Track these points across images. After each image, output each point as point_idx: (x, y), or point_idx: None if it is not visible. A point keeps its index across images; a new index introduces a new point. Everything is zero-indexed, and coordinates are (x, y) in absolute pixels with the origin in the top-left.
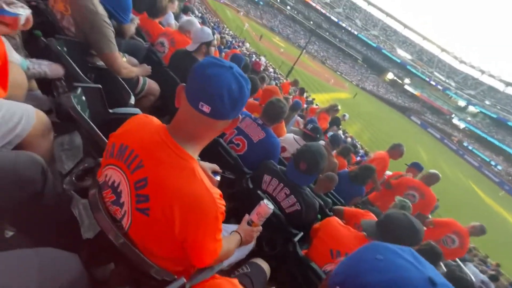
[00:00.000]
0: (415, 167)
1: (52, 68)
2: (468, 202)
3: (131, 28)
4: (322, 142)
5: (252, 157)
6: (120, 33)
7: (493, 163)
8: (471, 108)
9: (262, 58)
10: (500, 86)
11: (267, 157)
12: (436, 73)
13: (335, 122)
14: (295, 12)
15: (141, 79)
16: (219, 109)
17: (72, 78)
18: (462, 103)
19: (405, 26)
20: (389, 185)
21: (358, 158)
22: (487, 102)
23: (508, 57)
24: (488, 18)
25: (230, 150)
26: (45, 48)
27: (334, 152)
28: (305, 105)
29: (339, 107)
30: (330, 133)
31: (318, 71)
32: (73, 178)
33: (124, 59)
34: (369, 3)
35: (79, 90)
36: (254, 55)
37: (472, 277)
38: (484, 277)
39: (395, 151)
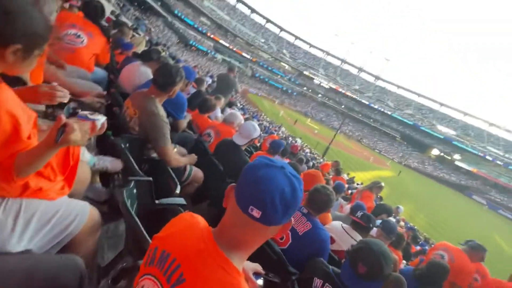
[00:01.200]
0: None
1: (113, 163)
2: None
3: (184, 123)
4: (374, 230)
5: (297, 253)
6: (175, 128)
7: None
8: None
9: (298, 140)
10: None
11: (315, 252)
12: (490, 147)
13: (386, 210)
14: (326, 98)
15: (187, 167)
16: (271, 214)
17: (129, 171)
18: None
19: (441, 104)
20: None
21: (418, 248)
22: None
23: None
24: None
25: (273, 243)
26: (112, 145)
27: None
28: (346, 185)
29: (383, 184)
30: (379, 221)
31: (355, 150)
32: (109, 281)
33: (175, 149)
34: (399, 87)
35: (132, 183)
36: (290, 138)
37: None
38: None
39: (475, 252)
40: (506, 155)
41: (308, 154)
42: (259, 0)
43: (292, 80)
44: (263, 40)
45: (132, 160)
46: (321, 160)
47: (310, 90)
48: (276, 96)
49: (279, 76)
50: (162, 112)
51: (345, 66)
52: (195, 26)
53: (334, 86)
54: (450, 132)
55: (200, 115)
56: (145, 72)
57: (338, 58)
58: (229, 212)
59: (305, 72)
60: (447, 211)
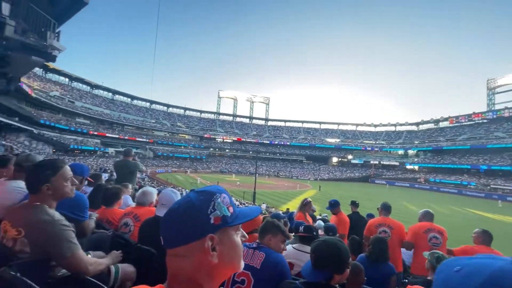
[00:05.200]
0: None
1: None
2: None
3: (91, 223)
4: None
5: (264, 287)
6: (81, 232)
7: (465, 183)
8: (410, 152)
9: None
10: (414, 128)
11: (279, 277)
12: (365, 141)
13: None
14: (234, 151)
15: (111, 268)
16: (164, 234)
17: None
18: (400, 151)
19: (320, 122)
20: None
21: None
22: (416, 142)
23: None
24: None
25: None
26: None
27: None
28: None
29: (309, 199)
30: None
31: (279, 185)
32: None
33: (89, 256)
34: (286, 121)
35: None
36: None
37: None
38: None
39: (386, 211)
40: (377, 142)
41: (240, 206)
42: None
43: (197, 146)
44: (153, 121)
45: (33, 284)
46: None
47: (217, 149)
48: (186, 166)
49: (182, 147)
50: (58, 216)
51: (238, 119)
52: (72, 129)
53: (235, 138)
54: (336, 140)
55: (108, 209)
56: (18, 186)
57: (229, 115)
58: None
59: (205, 135)
60: (364, 198)
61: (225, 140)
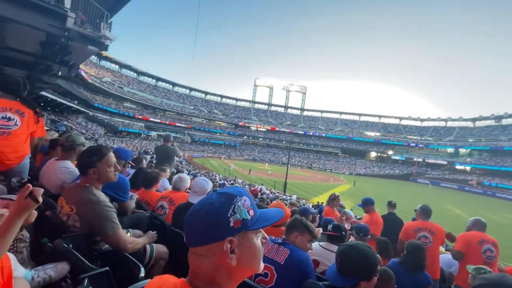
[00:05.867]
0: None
1: (57, 268)
2: None
3: (131, 204)
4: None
5: (287, 283)
6: (122, 211)
7: None
8: (462, 150)
9: (258, 186)
10: (470, 124)
11: (303, 275)
12: (409, 136)
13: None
14: (268, 140)
15: (147, 247)
16: (188, 234)
17: (79, 271)
18: (450, 150)
19: (360, 114)
20: None
21: None
22: (470, 140)
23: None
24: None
25: (257, 286)
26: (52, 252)
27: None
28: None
29: (337, 194)
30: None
31: (311, 176)
32: None
33: (129, 234)
34: (322, 111)
35: (86, 281)
36: (247, 186)
37: None
38: None
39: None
40: (423, 138)
41: (270, 195)
42: (177, 75)
43: (231, 134)
44: (192, 107)
45: (81, 257)
46: (284, 196)
47: (250, 138)
48: (221, 153)
49: (217, 134)
50: (103, 198)
51: (272, 108)
52: (120, 112)
53: (269, 127)
54: (376, 134)
55: (147, 191)
56: (64, 166)
57: (264, 103)
58: None
59: (240, 123)
60: (403, 198)
61: (259, 129)
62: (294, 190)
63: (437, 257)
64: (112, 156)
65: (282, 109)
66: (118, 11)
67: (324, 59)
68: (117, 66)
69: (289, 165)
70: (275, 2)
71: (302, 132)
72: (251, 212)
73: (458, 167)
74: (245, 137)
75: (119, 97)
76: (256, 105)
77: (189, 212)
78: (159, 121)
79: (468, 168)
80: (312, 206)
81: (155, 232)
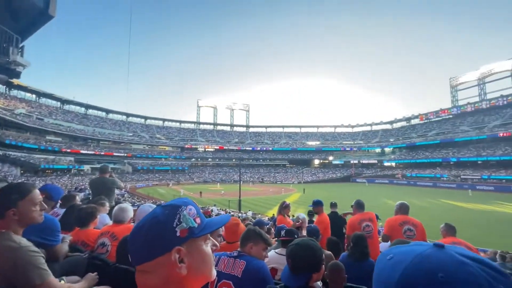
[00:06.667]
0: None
1: None
2: (457, 217)
3: (63, 247)
4: None
5: None
6: (52, 258)
7: (438, 175)
8: (387, 149)
9: (210, 207)
10: (389, 126)
11: (261, 284)
12: (344, 142)
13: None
14: (217, 160)
15: None
16: (133, 253)
17: None
18: (378, 150)
19: (300, 126)
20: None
21: None
22: (391, 140)
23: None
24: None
25: None
26: None
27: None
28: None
29: (287, 202)
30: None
31: (264, 190)
32: None
33: (63, 282)
34: (267, 126)
35: None
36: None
37: None
38: None
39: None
40: (355, 142)
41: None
42: (112, 101)
43: (178, 157)
44: (131, 134)
45: None
46: (240, 214)
47: (199, 159)
48: (168, 179)
49: (162, 159)
50: (24, 242)
51: (219, 127)
52: (42, 148)
53: (217, 147)
54: (316, 143)
55: (82, 230)
56: None
57: (210, 123)
58: None
59: (186, 146)
60: (345, 197)
61: (207, 149)
62: (249, 206)
63: (376, 244)
64: (37, 193)
65: (228, 128)
66: (32, 33)
67: (264, 76)
68: (33, 96)
69: (241, 182)
70: (208, 22)
71: (250, 148)
72: (198, 220)
73: (386, 164)
74: (193, 159)
75: (39, 130)
76: (202, 126)
77: (132, 230)
78: (92, 152)
79: (393, 164)
80: (268, 219)
81: (95, 273)
